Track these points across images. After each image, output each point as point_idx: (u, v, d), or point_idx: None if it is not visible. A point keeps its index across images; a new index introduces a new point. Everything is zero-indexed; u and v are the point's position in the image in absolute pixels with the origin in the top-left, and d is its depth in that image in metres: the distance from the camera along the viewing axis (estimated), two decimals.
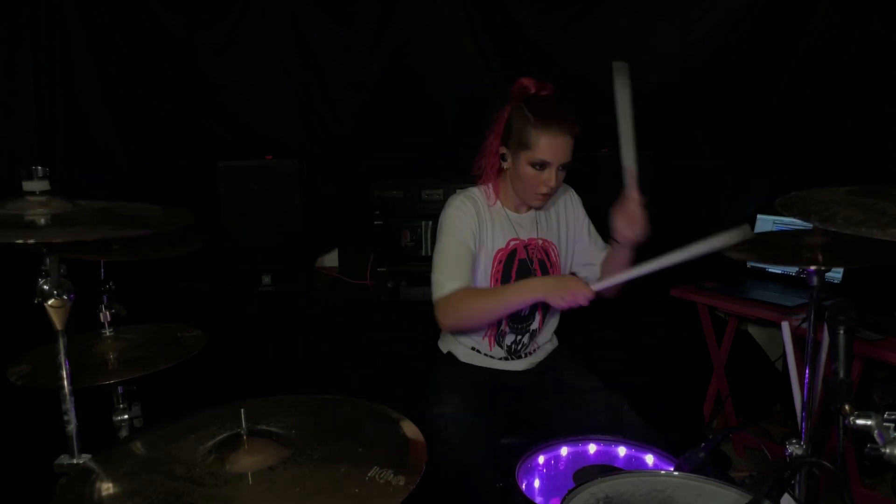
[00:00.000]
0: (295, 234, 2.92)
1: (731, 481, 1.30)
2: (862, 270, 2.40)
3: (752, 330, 3.09)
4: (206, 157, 2.98)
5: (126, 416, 1.73)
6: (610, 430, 1.68)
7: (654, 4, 2.85)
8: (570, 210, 2.03)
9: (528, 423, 1.93)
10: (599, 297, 1.73)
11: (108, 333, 1.78)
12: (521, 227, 1.95)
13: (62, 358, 1.22)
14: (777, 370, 2.99)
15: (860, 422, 0.94)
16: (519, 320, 1.97)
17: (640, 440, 1.65)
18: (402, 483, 0.94)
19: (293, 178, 2.88)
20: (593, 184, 2.63)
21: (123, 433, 1.72)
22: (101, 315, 1.76)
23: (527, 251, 1.94)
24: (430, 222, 2.69)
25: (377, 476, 0.96)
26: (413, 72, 3.03)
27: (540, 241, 1.96)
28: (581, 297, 1.67)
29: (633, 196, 1.79)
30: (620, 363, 2.54)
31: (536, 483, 1.54)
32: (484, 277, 1.91)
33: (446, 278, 1.81)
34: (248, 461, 1.01)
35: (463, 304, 1.79)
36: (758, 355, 3.06)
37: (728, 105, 2.88)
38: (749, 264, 2.84)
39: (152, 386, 1.69)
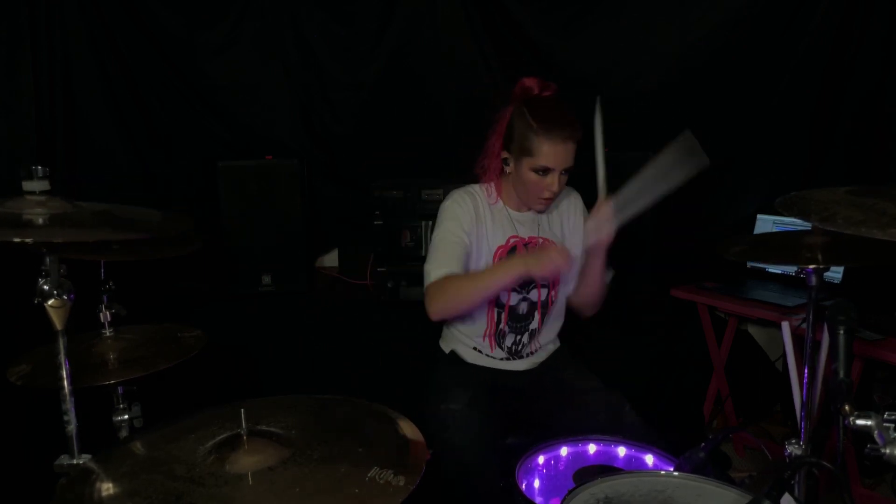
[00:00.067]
0: (295, 234, 2.92)
1: (731, 481, 1.30)
2: (862, 270, 2.40)
3: (752, 330, 3.09)
4: (206, 157, 2.98)
5: (126, 416, 1.72)
6: (610, 431, 1.68)
7: (654, 4, 2.85)
8: (572, 213, 2.02)
9: (528, 423, 1.93)
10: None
11: (108, 333, 1.78)
12: (521, 225, 1.95)
13: (62, 358, 1.22)
14: (777, 370, 2.99)
15: (860, 422, 0.94)
16: (518, 319, 1.96)
17: (640, 440, 1.65)
18: (402, 483, 0.94)
19: (293, 178, 2.88)
20: (593, 184, 2.64)
21: (123, 433, 1.72)
22: (101, 315, 1.76)
23: (527, 249, 1.93)
24: (430, 222, 2.68)
25: (377, 476, 0.96)
26: (413, 72, 3.03)
27: (540, 241, 1.95)
28: (561, 262, 1.66)
29: (603, 202, 1.79)
30: (620, 363, 2.54)
31: (536, 483, 1.54)
32: None
33: (434, 266, 1.82)
34: (248, 461, 1.01)
35: (448, 289, 1.79)
36: (758, 355, 3.06)
37: (728, 105, 2.88)
38: (749, 264, 2.84)
39: (152, 386, 1.69)
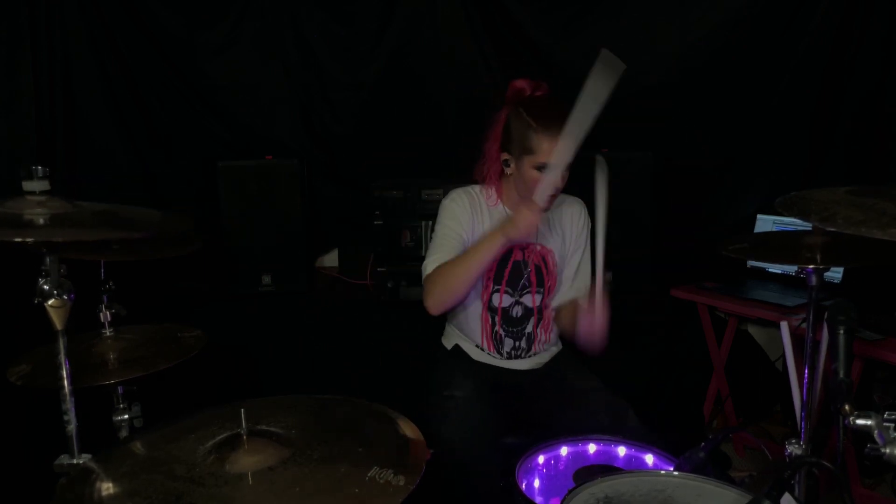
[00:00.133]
0: (295, 234, 2.92)
1: (731, 481, 1.30)
2: (862, 270, 2.40)
3: (752, 330, 3.09)
4: (206, 157, 2.98)
5: (126, 416, 1.72)
6: (610, 431, 1.68)
7: (654, 4, 2.86)
8: (574, 220, 2.01)
9: (528, 422, 1.93)
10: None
11: (108, 333, 1.78)
12: None
13: (62, 358, 1.22)
14: (777, 370, 2.99)
15: (860, 422, 0.94)
16: (512, 323, 1.97)
17: (641, 441, 1.65)
18: (402, 483, 0.94)
19: (293, 178, 2.88)
20: (593, 184, 2.64)
21: (123, 433, 1.72)
22: (101, 315, 1.76)
23: (523, 253, 1.94)
24: (430, 222, 2.68)
25: (377, 476, 0.96)
26: (413, 72, 3.03)
27: (538, 247, 1.95)
28: (532, 217, 1.68)
29: (600, 302, 1.72)
30: (620, 363, 2.54)
31: (536, 483, 1.54)
32: None
33: (429, 263, 1.85)
34: (248, 461, 1.01)
35: (439, 278, 1.81)
36: (758, 355, 3.06)
37: (728, 105, 2.89)
38: (749, 264, 2.84)
39: (152, 386, 1.68)
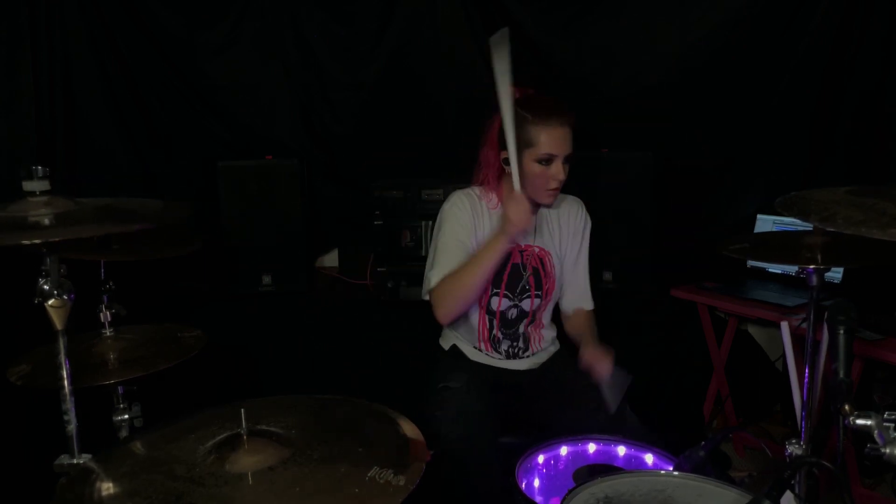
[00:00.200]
0: (295, 234, 2.92)
1: (731, 481, 1.30)
2: (862, 270, 2.40)
3: (752, 330, 3.09)
4: (206, 157, 2.98)
5: (126, 416, 1.72)
6: (610, 431, 1.68)
7: (654, 4, 2.86)
8: (573, 220, 2.02)
9: (528, 422, 1.93)
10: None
11: (108, 333, 1.78)
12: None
13: (62, 358, 1.22)
14: (777, 370, 2.99)
15: (860, 422, 0.94)
16: (509, 325, 1.97)
17: (640, 441, 1.65)
18: (402, 483, 0.94)
19: (293, 178, 2.88)
20: (593, 184, 2.64)
21: (123, 433, 1.72)
22: (101, 315, 1.76)
23: (521, 256, 1.94)
24: (430, 222, 2.69)
25: (377, 476, 0.96)
26: (413, 72, 3.03)
27: (536, 249, 1.96)
28: (522, 205, 1.70)
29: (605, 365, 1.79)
30: (620, 363, 2.54)
31: (536, 483, 1.54)
32: None
33: (434, 273, 1.84)
34: (248, 461, 1.01)
35: (446, 288, 1.82)
36: (758, 355, 3.06)
37: (728, 105, 2.88)
38: (749, 264, 2.84)
39: (152, 386, 1.68)
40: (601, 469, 1.52)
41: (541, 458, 1.60)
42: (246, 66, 3.05)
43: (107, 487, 1.00)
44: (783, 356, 1.61)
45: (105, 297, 1.76)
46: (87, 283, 1.58)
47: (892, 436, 0.92)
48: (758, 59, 2.81)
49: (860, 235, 1.00)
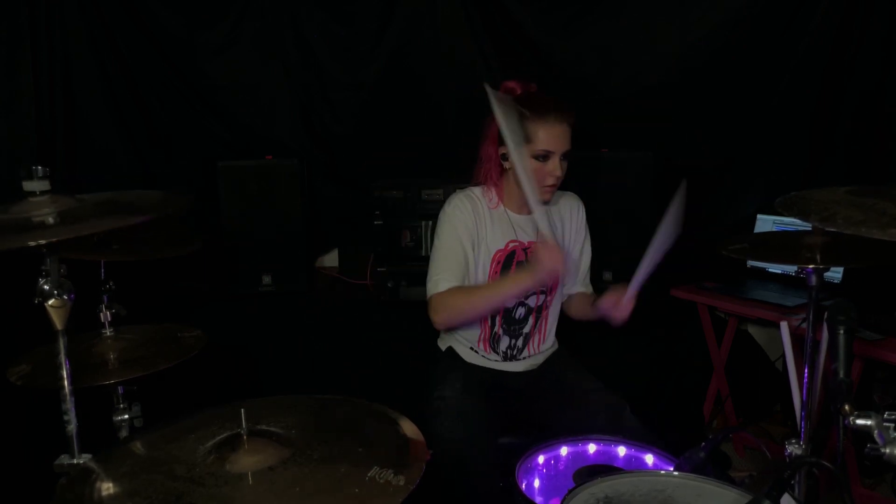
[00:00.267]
0: (295, 234, 2.92)
1: (731, 481, 1.30)
2: (862, 270, 2.40)
3: (752, 330, 3.09)
4: (206, 157, 2.98)
5: (126, 416, 1.72)
6: (610, 431, 1.68)
7: (654, 4, 2.86)
8: (574, 219, 2.04)
9: (527, 423, 1.93)
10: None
11: (108, 333, 1.78)
12: (522, 229, 1.95)
13: (62, 358, 1.22)
14: (777, 370, 2.98)
15: (860, 422, 0.94)
16: (512, 322, 1.97)
17: (640, 441, 1.65)
18: (402, 483, 0.94)
19: (293, 178, 2.88)
20: (593, 184, 2.64)
21: (123, 433, 1.72)
22: (101, 315, 1.76)
23: (525, 254, 1.94)
24: (430, 222, 2.69)
25: (377, 476, 0.96)
26: (413, 72, 3.03)
27: None
28: (554, 258, 1.70)
29: (630, 293, 1.82)
30: (620, 363, 2.54)
31: (536, 483, 1.54)
32: (483, 277, 1.92)
33: (440, 276, 1.84)
34: (248, 461, 1.01)
35: (455, 301, 1.82)
36: (758, 355, 3.06)
37: (728, 105, 2.89)
38: (749, 264, 2.84)
39: (152, 386, 1.68)
40: (601, 469, 1.52)
41: (541, 459, 1.60)
42: (246, 66, 3.05)
43: (107, 487, 1.00)
44: (783, 356, 1.61)
45: (105, 297, 1.76)
46: (87, 283, 1.58)
47: (892, 436, 0.92)
48: (758, 59, 2.81)
49: (860, 235, 1.00)
